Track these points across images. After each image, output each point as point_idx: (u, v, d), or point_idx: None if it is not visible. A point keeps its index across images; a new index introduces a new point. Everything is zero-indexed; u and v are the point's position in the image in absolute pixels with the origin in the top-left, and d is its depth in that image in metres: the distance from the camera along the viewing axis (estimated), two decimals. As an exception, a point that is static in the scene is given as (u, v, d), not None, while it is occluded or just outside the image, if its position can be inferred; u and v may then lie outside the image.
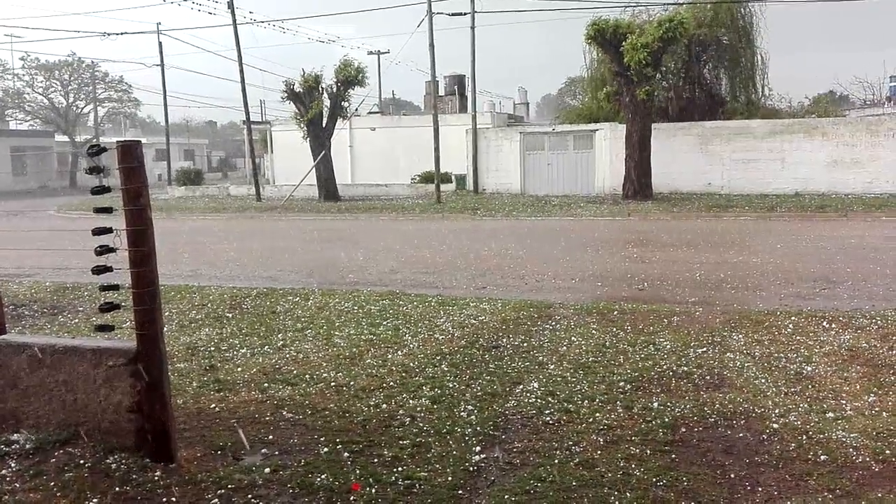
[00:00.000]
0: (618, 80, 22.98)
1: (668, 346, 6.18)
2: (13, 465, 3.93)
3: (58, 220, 23.54)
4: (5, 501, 3.60)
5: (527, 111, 46.08)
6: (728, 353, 5.95)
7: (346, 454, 4.08)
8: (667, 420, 4.50)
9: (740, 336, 6.50)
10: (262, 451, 4.15)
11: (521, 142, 28.14)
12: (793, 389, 5.05)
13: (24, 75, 46.88)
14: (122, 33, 37.75)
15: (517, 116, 40.47)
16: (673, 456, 4.01)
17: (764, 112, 28.39)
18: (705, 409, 4.70)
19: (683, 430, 4.37)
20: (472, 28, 28.06)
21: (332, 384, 5.36)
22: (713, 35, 27.92)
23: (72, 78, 48.30)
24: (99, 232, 3.81)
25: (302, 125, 26.79)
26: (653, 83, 22.47)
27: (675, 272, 10.57)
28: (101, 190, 4.00)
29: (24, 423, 4.26)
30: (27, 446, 4.08)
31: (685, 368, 5.56)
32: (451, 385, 5.27)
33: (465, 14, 27.94)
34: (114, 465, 3.88)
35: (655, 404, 4.78)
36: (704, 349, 6.09)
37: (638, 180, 22.98)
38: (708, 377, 5.37)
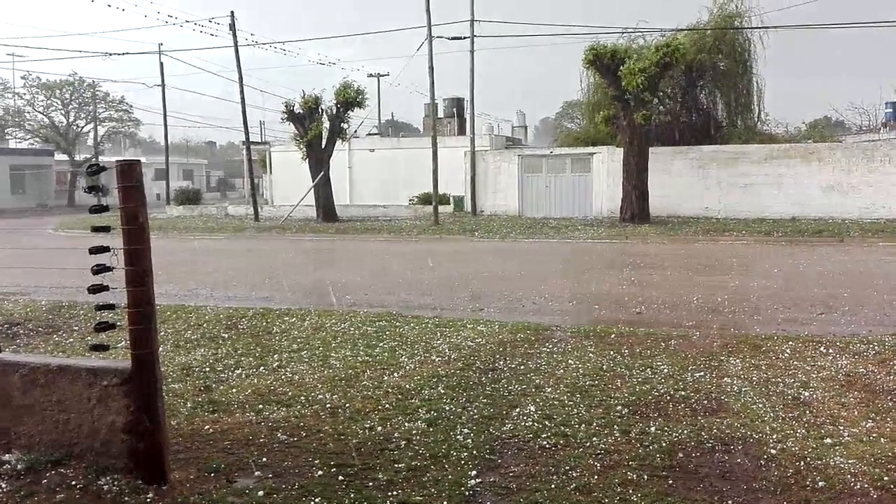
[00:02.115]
0: (615, 104, 23.16)
1: (666, 370, 6.16)
2: (4, 485, 3.88)
3: (55, 239, 23.51)
4: (-5, 523, 3.56)
5: (525, 134, 46.31)
6: (725, 378, 5.93)
7: (340, 477, 4.04)
8: (664, 445, 4.47)
9: (738, 361, 6.48)
10: (256, 473, 4.11)
11: (520, 164, 28.27)
12: (791, 415, 5.03)
13: (25, 94, 47.11)
14: (123, 54, 38.07)
15: (515, 139, 40.67)
16: (670, 481, 3.98)
17: (761, 137, 28.60)
18: (703, 434, 4.67)
19: (681, 455, 4.34)
20: (472, 52, 28.33)
21: (328, 406, 5.33)
22: (711, 61, 28.19)
23: (72, 97, 48.49)
24: (96, 251, 3.80)
25: (301, 146, 26.91)
26: (650, 107, 22.67)
27: (672, 296, 10.56)
28: (99, 209, 4.00)
29: (16, 443, 4.22)
30: (19, 467, 4.04)
31: (683, 393, 5.54)
32: (447, 408, 5.24)
33: (464, 38, 28.23)
34: (106, 487, 3.84)
35: (653, 429, 4.75)
36: (702, 373, 6.07)
37: (635, 203, 23.07)
38: (705, 402, 5.34)
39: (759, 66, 28.64)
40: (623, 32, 28.54)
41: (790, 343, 7.09)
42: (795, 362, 6.39)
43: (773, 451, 4.36)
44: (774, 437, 4.60)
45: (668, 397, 5.44)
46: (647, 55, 22.13)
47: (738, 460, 4.27)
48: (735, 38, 28.21)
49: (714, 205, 25.17)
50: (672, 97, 29.67)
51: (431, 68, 25.80)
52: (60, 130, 48.38)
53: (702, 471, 4.12)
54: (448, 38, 28.20)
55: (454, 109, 38.41)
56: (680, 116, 29.55)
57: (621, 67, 21.95)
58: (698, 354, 6.71)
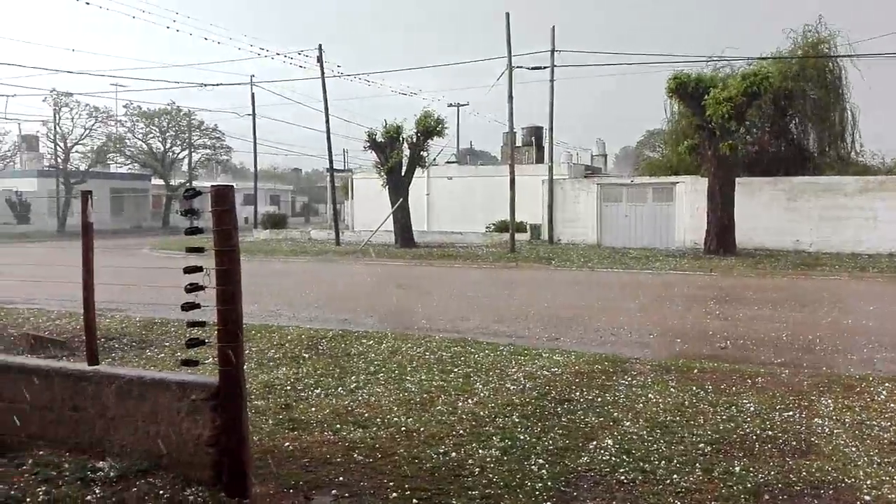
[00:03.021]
0: (700, 134, 22.64)
1: (752, 409, 5.92)
2: (98, 491, 4.08)
3: (150, 259, 24.73)
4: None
5: (604, 162, 45.82)
6: (816, 419, 5.65)
7: (415, 501, 4.07)
8: (749, 486, 4.29)
9: (829, 401, 6.16)
10: (333, 492, 4.19)
11: (598, 193, 27.95)
12: (886, 460, 4.73)
13: (126, 122, 50.01)
14: (217, 84, 39.97)
15: (595, 168, 40.29)
16: (755, 524, 3.81)
17: (855, 168, 27.30)
18: (791, 476, 4.46)
19: (767, 497, 4.16)
20: (552, 81, 28.33)
21: (403, 429, 5.38)
22: (800, 89, 27.24)
23: (170, 125, 51.16)
24: (190, 270, 4.00)
25: (382, 173, 27.50)
26: (736, 137, 22.03)
27: (759, 331, 10.16)
28: (194, 231, 4.20)
29: (110, 451, 4.43)
30: (111, 474, 4.23)
31: (770, 432, 5.31)
32: (521, 437, 5.19)
33: (544, 68, 28.26)
34: (191, 498, 3.98)
35: (737, 469, 4.57)
36: (790, 413, 5.81)
37: (721, 235, 22.37)
38: (794, 443, 5.10)
39: (852, 94, 27.50)
40: (708, 61, 27.95)
41: (886, 384, 6.68)
42: (892, 405, 6.02)
43: (867, 498, 4.12)
44: (868, 482, 4.35)
45: (754, 437, 5.22)
46: (732, 84, 21.59)
47: (830, 506, 4.05)
48: (825, 66, 27.20)
49: (805, 238, 24.14)
50: (759, 126, 28.75)
51: (511, 98, 25.98)
52: (157, 156, 51.07)
53: (790, 515, 3.93)
54: (528, 68, 28.33)
55: (532, 138, 38.44)
56: (768, 146, 28.58)
57: (706, 96, 21.49)
58: (787, 393, 6.42)
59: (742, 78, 21.62)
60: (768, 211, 24.54)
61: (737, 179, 22.81)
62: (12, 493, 4.05)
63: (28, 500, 3.97)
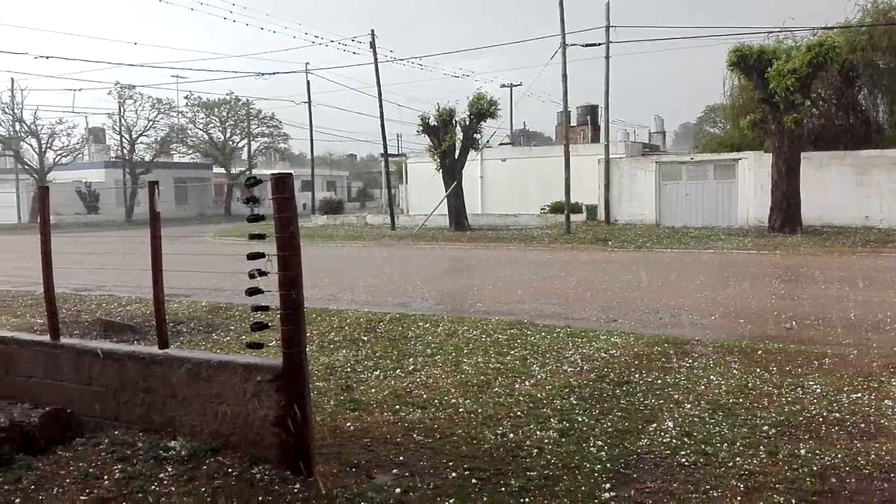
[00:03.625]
0: (762, 108, 21.93)
1: (819, 390, 5.76)
2: (170, 469, 4.27)
3: (214, 246, 25.45)
4: (162, 503, 3.92)
5: (663, 140, 44.80)
6: (886, 401, 5.46)
7: (473, 480, 4.12)
8: (815, 469, 4.20)
9: (902, 383, 5.94)
10: (394, 471, 4.27)
11: (657, 171, 27.39)
12: (965, 444, 4.55)
13: (187, 112, 51.32)
14: (274, 73, 40.50)
15: (653, 145, 39.43)
16: (822, 508, 3.73)
17: (929, 140, 26.03)
18: (859, 459, 4.33)
19: (834, 480, 4.06)
20: (607, 58, 27.80)
21: (461, 410, 5.43)
22: (868, 59, 26.03)
23: (229, 115, 52.30)
24: (253, 256, 4.12)
25: (435, 157, 27.55)
26: (801, 110, 21.24)
27: (826, 311, 9.84)
28: (255, 218, 4.32)
29: (181, 430, 4.63)
30: (182, 453, 4.42)
31: (837, 415, 5.16)
32: (579, 419, 5.18)
33: (599, 45, 27.74)
34: (258, 476, 4.13)
35: (803, 451, 4.47)
36: (859, 395, 5.63)
37: (785, 212, 21.66)
38: (862, 425, 4.95)
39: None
40: (770, 32, 26.98)
41: (965, 366, 6.41)
42: (972, 387, 5.77)
43: (944, 483, 3.98)
44: (945, 467, 4.19)
45: (821, 419, 5.09)
46: (797, 55, 20.79)
47: (902, 490, 3.93)
48: (894, 33, 25.89)
49: (874, 214, 23.17)
50: (826, 99, 27.64)
51: (565, 76, 25.59)
52: (218, 145, 52.30)
53: (857, 498, 3.83)
54: (582, 46, 27.83)
55: (588, 117, 37.89)
56: (835, 119, 27.47)
57: (769, 69, 20.77)
58: (855, 374, 6.22)
59: (807, 49, 20.80)
60: (836, 186, 23.62)
61: (802, 154, 22.02)
62: (91, 470, 4.28)
63: (105, 477, 4.19)
